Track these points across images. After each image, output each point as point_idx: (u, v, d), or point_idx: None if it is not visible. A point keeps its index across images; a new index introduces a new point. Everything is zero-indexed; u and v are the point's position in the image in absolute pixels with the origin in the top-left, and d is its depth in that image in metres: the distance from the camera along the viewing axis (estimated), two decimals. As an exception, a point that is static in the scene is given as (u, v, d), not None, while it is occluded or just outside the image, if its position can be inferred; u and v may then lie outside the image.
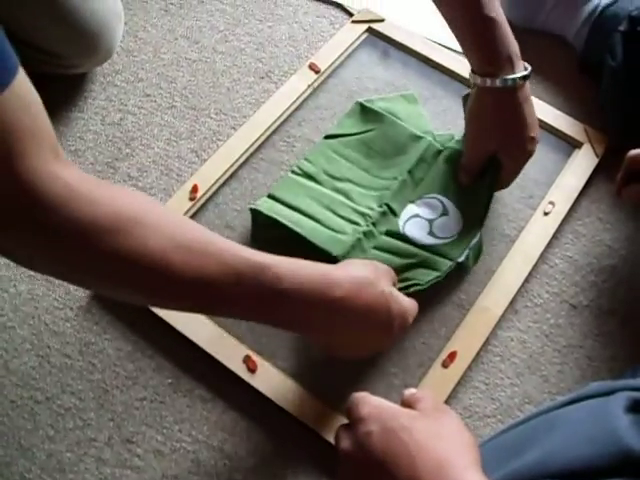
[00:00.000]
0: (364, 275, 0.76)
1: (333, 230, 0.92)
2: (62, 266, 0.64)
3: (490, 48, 0.85)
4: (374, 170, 0.98)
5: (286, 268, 0.70)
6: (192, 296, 0.68)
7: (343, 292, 0.73)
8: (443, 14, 0.88)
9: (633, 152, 0.87)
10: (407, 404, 0.66)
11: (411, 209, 0.95)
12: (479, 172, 0.94)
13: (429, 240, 0.92)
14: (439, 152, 0.99)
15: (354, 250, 0.91)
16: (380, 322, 0.76)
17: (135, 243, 0.63)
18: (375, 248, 0.91)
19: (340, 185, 0.96)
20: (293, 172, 0.97)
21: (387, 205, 0.94)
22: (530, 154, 0.91)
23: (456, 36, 0.88)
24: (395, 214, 0.94)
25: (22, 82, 0.58)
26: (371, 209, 0.94)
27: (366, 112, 1.03)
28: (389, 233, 0.93)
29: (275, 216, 0.92)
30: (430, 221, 0.94)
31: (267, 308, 0.71)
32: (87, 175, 0.63)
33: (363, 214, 0.93)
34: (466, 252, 0.91)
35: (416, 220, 0.94)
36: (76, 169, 0.62)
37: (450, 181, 0.96)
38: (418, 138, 1.00)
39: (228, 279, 0.67)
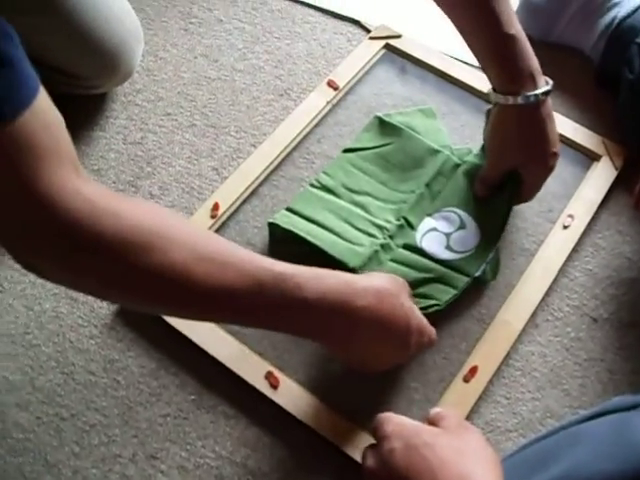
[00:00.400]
0: (386, 286, 0.77)
1: (350, 242, 0.93)
2: (86, 280, 0.65)
3: (511, 65, 0.85)
4: (392, 183, 0.99)
5: (307, 277, 0.71)
6: (214, 306, 0.69)
7: (365, 302, 0.73)
8: (460, 31, 0.88)
9: None
10: (432, 422, 0.67)
11: (429, 222, 0.96)
12: (497, 186, 0.94)
13: (446, 255, 0.93)
14: (457, 166, 0.99)
15: (371, 262, 0.91)
16: (399, 333, 0.77)
17: (158, 256, 0.64)
18: (392, 260, 0.92)
19: (358, 198, 0.97)
20: (312, 185, 0.98)
21: (404, 218, 0.95)
22: (551, 169, 0.91)
23: (475, 54, 0.88)
24: (412, 227, 0.95)
25: (43, 101, 0.59)
26: (389, 222, 0.95)
27: (384, 126, 1.03)
28: (406, 246, 0.93)
29: (292, 229, 0.93)
30: (447, 235, 0.94)
31: (289, 317, 0.72)
32: (108, 190, 0.65)
33: (380, 227, 0.94)
34: (483, 266, 0.91)
35: (433, 234, 0.95)
36: (97, 184, 0.64)
37: (468, 195, 0.97)
38: (436, 152, 1.00)
39: (250, 289, 0.68)
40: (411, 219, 0.95)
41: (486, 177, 0.94)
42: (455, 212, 0.96)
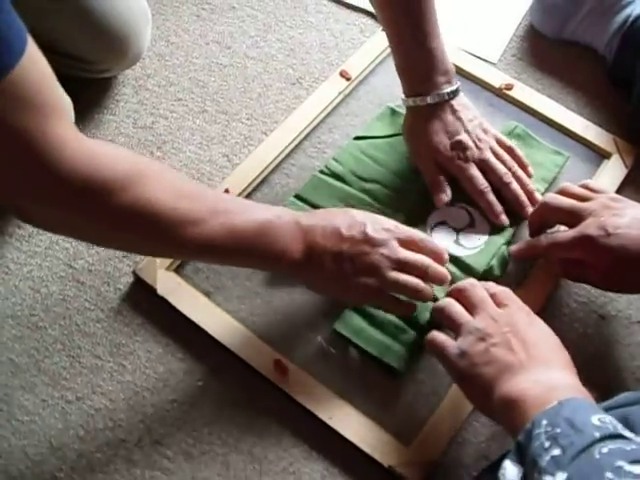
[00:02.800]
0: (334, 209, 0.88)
1: None
2: (86, 221, 0.69)
3: (419, 76, 0.94)
4: (402, 173, 0.99)
5: (268, 207, 0.81)
6: (193, 236, 0.73)
7: (312, 219, 0.82)
8: (386, 34, 0.96)
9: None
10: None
11: (438, 215, 0.96)
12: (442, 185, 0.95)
13: (455, 250, 0.93)
14: None
15: None
16: (347, 225, 0.81)
17: (148, 192, 0.69)
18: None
19: (367, 186, 0.97)
20: (321, 172, 0.98)
21: (413, 208, 0.95)
22: (459, 157, 0.94)
23: (393, 58, 0.96)
24: (421, 217, 0.95)
25: (34, 52, 0.60)
26: (397, 211, 0.95)
27: (396, 116, 1.03)
28: None
29: None
30: (457, 231, 0.94)
31: (258, 240, 0.78)
32: (99, 139, 0.72)
33: (389, 216, 0.94)
34: (491, 262, 0.92)
35: (443, 227, 0.95)
36: (85, 138, 0.67)
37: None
38: None
39: (222, 218, 0.75)
40: (420, 209, 0.96)
41: (429, 183, 0.96)
42: (465, 208, 0.96)
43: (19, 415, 0.84)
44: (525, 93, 1.08)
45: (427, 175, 0.96)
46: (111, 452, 0.82)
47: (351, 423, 0.83)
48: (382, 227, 0.82)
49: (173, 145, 1.04)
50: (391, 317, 0.88)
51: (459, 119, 0.94)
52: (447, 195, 0.94)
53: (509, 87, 1.08)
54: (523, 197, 0.95)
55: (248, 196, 0.97)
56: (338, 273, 0.80)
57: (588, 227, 0.81)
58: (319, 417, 0.83)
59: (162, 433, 0.83)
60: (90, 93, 1.07)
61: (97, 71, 1.05)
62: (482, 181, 0.94)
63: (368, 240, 0.81)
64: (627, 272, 0.81)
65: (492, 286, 0.80)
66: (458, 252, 0.93)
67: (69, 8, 0.96)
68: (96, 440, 0.83)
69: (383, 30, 0.96)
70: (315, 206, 0.94)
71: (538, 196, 0.95)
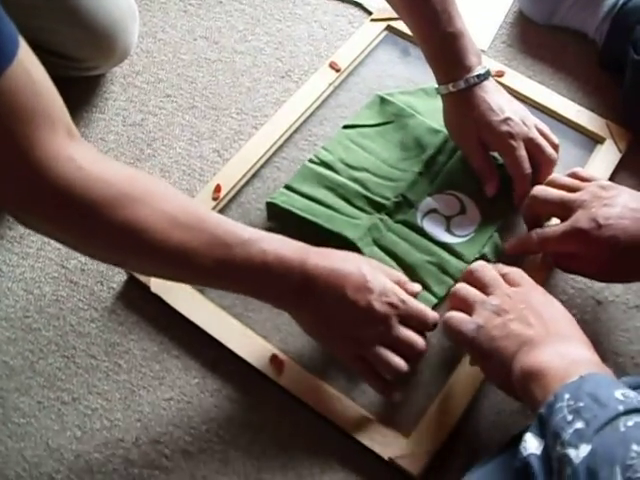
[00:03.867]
0: (343, 253, 0.81)
1: (348, 217, 0.92)
2: (74, 238, 0.69)
3: (448, 61, 0.92)
4: (391, 161, 0.98)
5: (269, 242, 0.75)
6: (178, 265, 0.72)
7: (318, 260, 0.77)
8: (409, 28, 0.96)
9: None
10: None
11: (429, 203, 0.95)
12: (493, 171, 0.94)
13: (446, 238, 0.93)
14: (457, 147, 0.99)
15: (370, 233, 0.92)
16: (354, 287, 0.77)
17: (139, 217, 0.67)
18: (391, 232, 0.92)
19: (357, 174, 0.97)
20: (310, 161, 0.98)
21: (403, 196, 0.95)
22: (512, 136, 0.91)
23: (421, 50, 0.95)
24: (411, 205, 0.95)
25: (26, 58, 0.59)
26: (387, 199, 0.95)
27: (385, 104, 1.03)
28: (406, 223, 0.93)
29: (290, 208, 0.92)
30: (448, 218, 0.94)
31: (251, 280, 0.75)
32: (99, 154, 0.68)
33: (378, 204, 0.94)
34: (484, 249, 0.92)
35: (434, 215, 0.95)
36: (89, 148, 0.67)
37: (468, 178, 0.97)
38: (436, 132, 1.00)
39: (217, 252, 0.72)
40: (410, 197, 0.95)
41: (474, 168, 0.95)
42: (455, 195, 0.96)
43: (15, 417, 0.84)
44: (516, 80, 1.07)
45: (476, 160, 0.94)
46: (109, 452, 0.82)
47: (349, 416, 0.82)
48: (387, 300, 0.77)
49: (163, 142, 1.03)
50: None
51: (502, 97, 0.93)
52: (496, 184, 0.93)
53: (500, 74, 1.07)
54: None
55: (240, 190, 0.97)
56: (327, 325, 0.79)
57: (579, 220, 0.80)
58: (317, 411, 0.82)
59: (159, 432, 0.83)
60: (78, 91, 1.06)
61: (85, 69, 1.04)
62: (527, 165, 0.91)
63: (369, 311, 0.77)
64: (622, 262, 0.80)
65: (503, 267, 0.80)
66: (449, 240, 0.93)
67: (56, 6, 0.96)
68: (93, 440, 0.83)
69: (405, 22, 0.96)
70: (305, 196, 0.94)
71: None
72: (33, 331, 0.89)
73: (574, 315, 0.89)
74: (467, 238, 0.93)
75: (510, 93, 1.05)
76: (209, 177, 0.99)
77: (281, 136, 1.01)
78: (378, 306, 0.77)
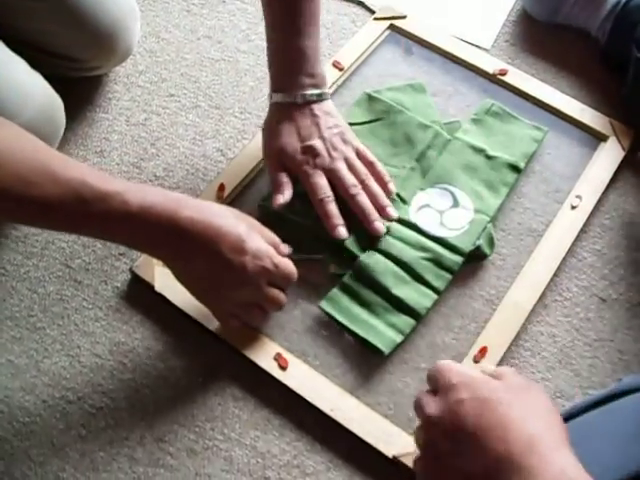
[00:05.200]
0: (214, 207, 0.80)
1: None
2: None
3: (287, 73, 0.92)
4: (382, 158, 0.98)
5: (135, 193, 0.74)
6: (45, 219, 0.74)
7: (189, 212, 0.76)
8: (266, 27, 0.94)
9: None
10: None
11: (421, 198, 0.96)
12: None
13: (440, 232, 0.93)
14: (448, 141, 0.99)
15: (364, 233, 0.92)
16: (228, 247, 0.77)
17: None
18: (386, 233, 0.92)
19: None
20: None
21: (396, 193, 0.95)
22: (306, 163, 0.90)
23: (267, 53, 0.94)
24: (404, 202, 0.95)
25: None
26: None
27: (373, 102, 1.03)
28: (399, 221, 0.93)
29: (284, 212, 0.92)
30: (441, 212, 0.95)
31: (115, 230, 0.75)
32: None
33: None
34: (478, 241, 0.92)
35: (427, 210, 0.95)
36: None
37: (460, 171, 0.97)
38: (426, 127, 1.00)
39: (72, 205, 0.72)
40: (403, 194, 0.96)
41: (271, 181, 0.93)
42: (448, 189, 0.96)
43: (20, 417, 0.84)
44: (519, 78, 1.07)
45: (271, 173, 0.93)
46: (114, 451, 0.82)
47: (353, 414, 0.82)
48: (260, 264, 0.80)
49: (167, 141, 1.03)
50: (379, 298, 0.88)
51: (316, 124, 0.91)
52: (284, 197, 0.90)
53: (503, 73, 1.07)
54: (370, 210, 0.91)
55: (244, 189, 0.97)
56: (199, 279, 0.81)
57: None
58: (321, 409, 0.82)
59: (164, 430, 0.83)
60: (82, 91, 1.07)
61: (87, 69, 1.04)
62: (324, 190, 0.90)
63: (242, 272, 0.79)
64: None
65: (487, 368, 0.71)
66: (443, 234, 0.93)
67: (55, 8, 0.95)
68: (98, 439, 0.83)
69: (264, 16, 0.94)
70: (297, 195, 0.92)
71: (391, 212, 0.92)
72: (38, 330, 0.89)
73: (577, 314, 0.90)
74: (461, 231, 0.93)
75: (513, 92, 1.06)
76: (213, 176, 0.99)
77: (285, 135, 1.01)
78: (251, 268, 0.79)
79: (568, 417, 0.72)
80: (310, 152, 0.90)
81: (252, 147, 1.00)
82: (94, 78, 1.07)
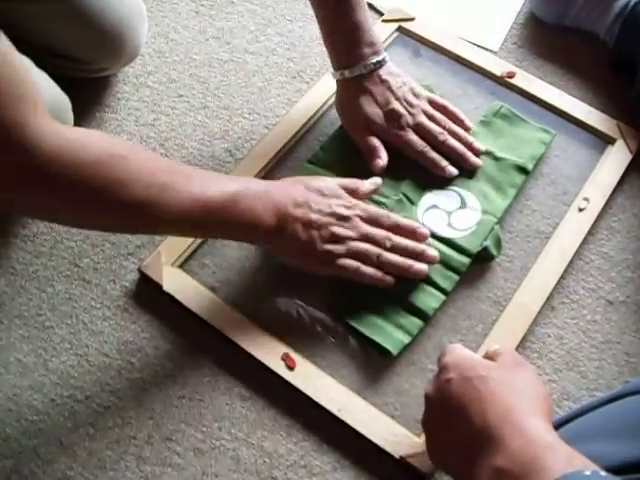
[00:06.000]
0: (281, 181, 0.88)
1: None
2: (67, 206, 0.72)
3: (343, 49, 0.96)
4: (389, 160, 0.98)
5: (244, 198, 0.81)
6: (167, 226, 0.79)
7: (280, 183, 0.87)
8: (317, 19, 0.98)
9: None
10: (489, 358, 0.70)
11: (429, 199, 0.96)
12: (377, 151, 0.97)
13: (448, 232, 0.93)
14: None
15: None
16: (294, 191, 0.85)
17: (122, 175, 0.71)
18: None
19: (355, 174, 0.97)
20: (309, 162, 0.98)
21: (403, 194, 0.96)
22: (395, 126, 0.96)
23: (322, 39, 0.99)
24: (412, 202, 0.95)
25: (2, 48, 0.62)
26: (387, 197, 0.95)
27: None
28: None
29: None
30: (449, 213, 0.95)
31: (229, 211, 0.80)
32: (65, 125, 0.73)
33: (378, 202, 0.94)
34: (486, 242, 0.92)
35: (435, 211, 0.95)
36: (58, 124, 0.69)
37: (467, 172, 0.98)
38: None
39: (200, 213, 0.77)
40: (410, 195, 0.96)
41: (365, 151, 0.98)
42: (455, 190, 0.97)
43: (28, 415, 0.84)
44: (527, 80, 1.07)
45: (363, 144, 0.98)
46: (121, 449, 0.82)
47: (361, 415, 0.82)
48: (345, 204, 0.87)
49: (175, 142, 1.03)
50: (386, 299, 0.89)
51: (389, 88, 0.96)
52: (383, 161, 0.96)
53: (511, 75, 1.07)
54: (461, 149, 0.97)
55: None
56: (307, 240, 0.84)
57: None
58: (328, 410, 0.82)
59: (172, 429, 0.83)
60: (90, 91, 1.07)
61: (95, 70, 1.05)
62: (420, 142, 0.96)
63: (334, 214, 0.85)
64: None
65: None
66: (451, 234, 0.93)
67: (61, 10, 0.96)
68: (106, 438, 0.83)
69: (310, 5, 0.98)
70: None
71: (478, 145, 0.98)
72: (46, 329, 0.89)
73: (584, 316, 0.91)
74: (469, 232, 0.93)
75: (520, 94, 1.06)
76: (221, 177, 1.00)
77: (293, 136, 1.01)
78: (340, 209, 0.86)
79: (573, 418, 0.73)
80: (393, 115, 0.96)
81: (260, 148, 1.00)
82: (103, 78, 1.08)
